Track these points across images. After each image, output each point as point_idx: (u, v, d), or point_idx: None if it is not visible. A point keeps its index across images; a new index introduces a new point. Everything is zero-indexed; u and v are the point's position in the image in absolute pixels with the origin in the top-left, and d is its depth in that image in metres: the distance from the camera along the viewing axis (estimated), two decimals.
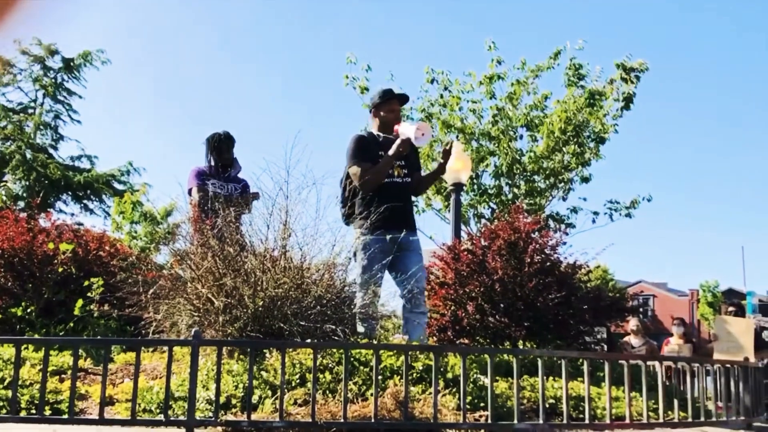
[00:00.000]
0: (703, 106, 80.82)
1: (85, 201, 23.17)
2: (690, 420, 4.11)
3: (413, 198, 6.13)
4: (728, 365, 4.53)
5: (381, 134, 5.63)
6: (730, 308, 9.83)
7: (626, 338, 10.20)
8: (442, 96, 13.28)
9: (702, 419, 4.17)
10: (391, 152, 5.38)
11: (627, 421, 3.86)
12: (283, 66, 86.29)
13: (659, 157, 79.30)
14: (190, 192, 6.27)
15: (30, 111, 23.48)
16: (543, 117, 12.92)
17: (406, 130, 5.39)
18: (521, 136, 13.17)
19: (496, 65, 13.30)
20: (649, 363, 4.24)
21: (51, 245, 5.81)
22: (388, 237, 5.21)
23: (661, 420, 3.99)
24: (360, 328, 4.89)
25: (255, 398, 3.68)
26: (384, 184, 5.44)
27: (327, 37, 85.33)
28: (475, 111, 13.26)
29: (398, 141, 5.36)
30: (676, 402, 4.14)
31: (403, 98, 5.98)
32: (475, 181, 12.98)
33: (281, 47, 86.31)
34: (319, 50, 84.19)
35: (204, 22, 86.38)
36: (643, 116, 70.43)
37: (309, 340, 4.08)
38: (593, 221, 13.34)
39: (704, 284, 46.28)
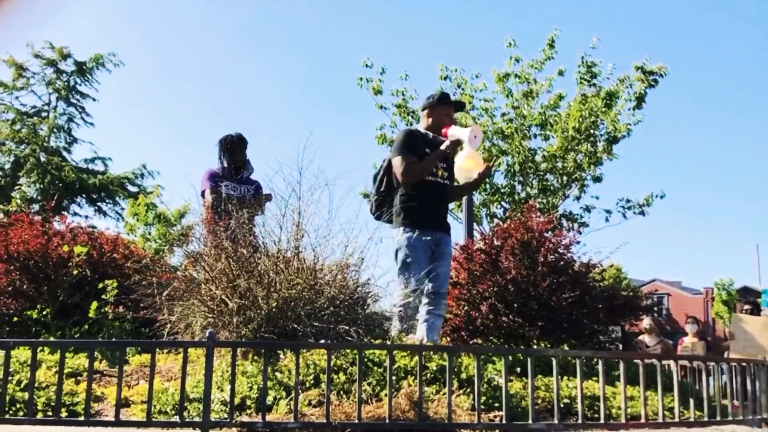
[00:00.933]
0: (717, 103, 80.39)
1: (99, 203, 23.34)
2: (706, 419, 4.08)
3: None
4: (744, 363, 4.50)
5: (430, 133, 5.59)
6: (746, 306, 9.79)
7: (640, 337, 10.17)
8: (454, 94, 13.31)
9: (718, 418, 4.14)
10: (439, 150, 5.37)
11: (642, 420, 3.84)
12: (296, 67, 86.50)
13: (673, 155, 78.93)
14: (203, 194, 6.30)
15: (44, 114, 23.66)
16: (557, 116, 12.92)
17: (458, 132, 5.36)
18: (534, 135, 13.19)
19: (514, 63, 13.35)
20: (664, 362, 4.22)
21: (66, 248, 5.84)
22: (430, 237, 5.29)
23: (676, 419, 3.96)
24: (399, 325, 4.96)
25: (269, 399, 3.69)
26: (428, 182, 5.43)
27: (339, 37, 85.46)
28: (488, 110, 13.28)
29: (447, 141, 5.35)
30: (692, 401, 4.12)
31: (460, 105, 6.04)
32: (487, 180, 12.97)
33: (294, 48, 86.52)
34: (331, 50, 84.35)
35: (217, 23, 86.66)
36: (656, 113, 70.10)
37: (323, 341, 4.08)
38: (606, 220, 13.35)
39: (719, 282, 46.02)
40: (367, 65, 13.61)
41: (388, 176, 5.56)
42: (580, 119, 12.48)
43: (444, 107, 5.64)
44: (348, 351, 4.04)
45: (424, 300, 5.21)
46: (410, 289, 4.94)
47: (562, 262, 6.06)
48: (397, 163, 5.40)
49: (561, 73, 13.36)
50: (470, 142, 5.30)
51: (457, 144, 5.37)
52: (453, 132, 5.38)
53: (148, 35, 72.77)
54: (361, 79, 13.63)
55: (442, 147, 5.35)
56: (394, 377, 3.64)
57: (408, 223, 5.28)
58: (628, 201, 13.39)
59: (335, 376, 3.86)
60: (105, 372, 4.57)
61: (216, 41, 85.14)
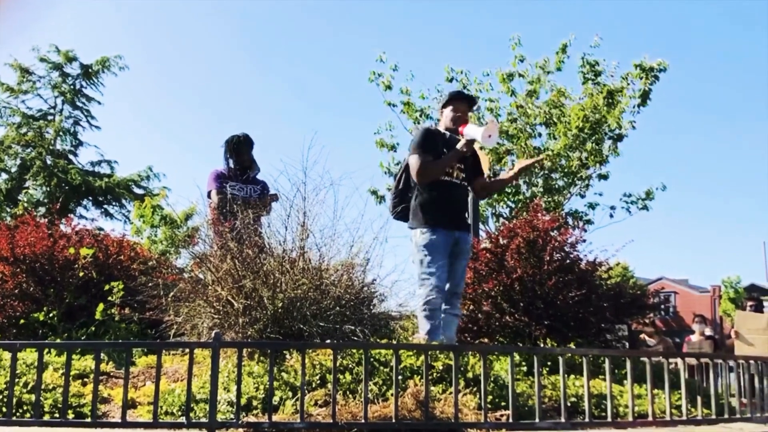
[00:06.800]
0: (723, 100, 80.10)
1: (105, 206, 23.35)
2: (714, 417, 4.07)
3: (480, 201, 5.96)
4: (751, 361, 4.48)
5: (448, 132, 5.42)
6: (750, 303, 9.73)
7: (642, 336, 10.11)
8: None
9: (726, 416, 4.13)
10: (455, 150, 5.21)
11: (650, 418, 3.83)
12: (301, 67, 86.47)
13: (678, 152, 78.72)
14: (209, 195, 6.29)
15: (50, 117, 23.67)
16: (561, 116, 12.91)
17: (472, 131, 5.18)
18: (540, 135, 13.19)
19: (518, 63, 13.36)
20: (671, 360, 4.20)
21: (72, 250, 5.85)
22: (447, 235, 5.13)
23: (684, 417, 3.95)
24: (425, 325, 4.84)
25: (276, 400, 3.69)
26: (443, 182, 5.26)
27: (345, 37, 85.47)
28: (493, 110, 13.28)
29: (462, 141, 5.19)
30: (699, 399, 4.10)
31: (471, 101, 5.91)
32: (492, 180, 12.97)
33: (299, 49, 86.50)
34: (336, 51, 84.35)
35: (222, 25, 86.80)
36: (661, 110, 70.03)
37: (328, 341, 4.08)
38: (611, 216, 13.37)
39: (726, 280, 45.92)
40: (381, 60, 13.63)
41: (406, 174, 5.43)
42: (584, 119, 12.47)
43: (453, 103, 5.50)
44: (354, 351, 4.05)
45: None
46: (430, 288, 4.87)
47: (568, 261, 6.05)
48: (413, 162, 5.24)
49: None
50: (484, 141, 5.15)
51: (472, 143, 5.21)
52: (467, 131, 5.21)
53: (153, 40, 72.94)
54: (373, 73, 13.63)
55: (458, 146, 5.19)
56: (400, 377, 3.64)
57: (425, 222, 5.14)
58: (629, 195, 13.41)
59: (341, 376, 3.86)
60: (111, 373, 4.58)
61: (222, 43, 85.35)
